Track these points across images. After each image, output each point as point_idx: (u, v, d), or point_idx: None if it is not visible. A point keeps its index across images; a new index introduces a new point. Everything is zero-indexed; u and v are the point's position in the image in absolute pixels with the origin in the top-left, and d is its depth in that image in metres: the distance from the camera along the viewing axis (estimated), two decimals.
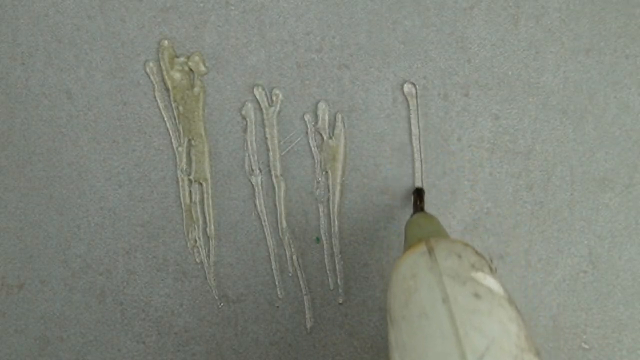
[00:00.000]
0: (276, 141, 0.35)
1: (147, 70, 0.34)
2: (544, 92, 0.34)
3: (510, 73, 0.34)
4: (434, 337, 0.21)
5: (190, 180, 0.35)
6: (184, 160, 0.35)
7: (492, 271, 0.24)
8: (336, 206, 0.35)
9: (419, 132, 0.34)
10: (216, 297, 0.36)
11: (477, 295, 0.22)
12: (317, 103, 0.34)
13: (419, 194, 0.34)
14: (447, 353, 0.20)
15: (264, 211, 0.35)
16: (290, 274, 0.36)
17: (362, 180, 0.35)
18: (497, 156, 0.35)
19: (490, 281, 0.23)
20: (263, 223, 0.35)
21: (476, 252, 0.25)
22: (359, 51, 0.34)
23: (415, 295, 0.23)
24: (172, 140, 0.35)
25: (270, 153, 0.35)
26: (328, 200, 0.35)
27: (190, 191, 0.35)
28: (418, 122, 0.34)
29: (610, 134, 0.34)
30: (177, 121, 0.35)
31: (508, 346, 0.20)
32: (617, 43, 0.34)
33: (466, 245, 0.25)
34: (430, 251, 0.24)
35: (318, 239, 0.36)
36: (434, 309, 0.22)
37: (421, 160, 0.35)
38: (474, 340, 0.20)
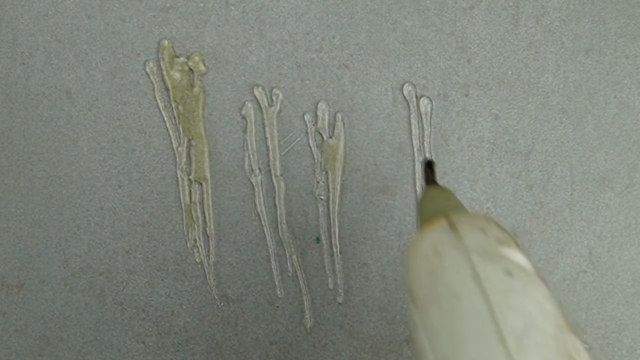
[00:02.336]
0: (276, 141, 0.35)
1: (147, 70, 0.34)
2: (544, 92, 0.34)
3: (510, 73, 0.34)
4: (468, 319, 0.20)
5: (190, 180, 0.35)
6: (184, 160, 0.35)
7: (519, 246, 0.23)
8: (336, 206, 0.35)
9: (419, 132, 0.35)
10: (216, 297, 0.36)
11: (508, 273, 0.21)
12: (317, 103, 0.34)
13: (429, 166, 0.32)
14: (485, 335, 0.19)
15: (264, 211, 0.35)
16: (290, 274, 0.36)
17: (362, 180, 0.35)
18: (497, 156, 0.35)
19: (519, 257, 0.22)
20: (263, 223, 0.35)
21: (500, 227, 0.23)
22: (359, 51, 0.34)
23: (442, 274, 0.21)
24: (172, 140, 0.35)
25: (270, 153, 0.35)
26: (328, 200, 0.35)
27: (190, 191, 0.35)
28: (418, 122, 0.34)
29: (610, 134, 0.34)
30: (177, 121, 0.35)
31: (547, 326, 0.19)
32: (617, 43, 0.34)
33: (488, 219, 0.23)
34: (452, 226, 0.23)
35: (318, 239, 0.36)
36: (465, 289, 0.20)
37: (421, 161, 0.35)
38: (512, 321, 0.19)
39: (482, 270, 0.21)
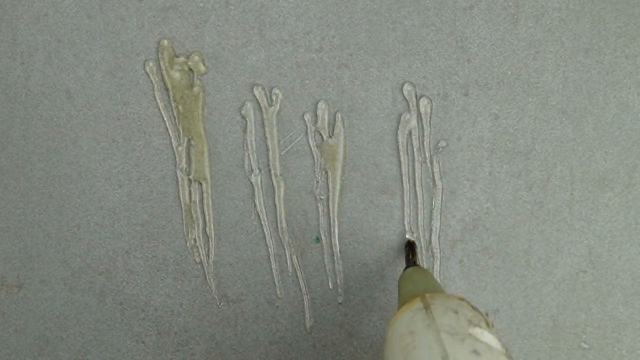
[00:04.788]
0: (276, 141, 0.35)
1: (147, 70, 0.34)
2: (544, 92, 0.34)
3: (510, 73, 0.34)
4: None
5: (190, 180, 0.35)
6: (184, 160, 0.35)
7: (490, 326, 0.24)
8: (336, 206, 0.35)
9: (419, 132, 0.34)
10: (216, 297, 0.36)
11: (476, 353, 0.22)
12: (317, 103, 0.34)
13: (411, 247, 0.34)
14: None
15: (264, 211, 0.35)
16: (290, 274, 0.36)
17: (362, 180, 0.35)
18: (497, 156, 0.35)
19: (488, 337, 0.23)
20: (263, 223, 0.35)
21: (472, 307, 0.25)
22: (359, 51, 0.34)
23: (415, 353, 0.23)
24: (172, 140, 0.35)
25: (270, 153, 0.35)
26: (328, 200, 0.35)
27: (190, 191, 0.35)
28: (418, 122, 0.34)
29: (610, 134, 0.34)
30: (177, 121, 0.35)
31: None
32: (617, 43, 0.34)
33: (462, 300, 0.25)
34: (427, 308, 0.24)
35: (318, 239, 0.36)
36: None
37: (421, 161, 0.35)
38: None
39: (451, 351, 0.22)
